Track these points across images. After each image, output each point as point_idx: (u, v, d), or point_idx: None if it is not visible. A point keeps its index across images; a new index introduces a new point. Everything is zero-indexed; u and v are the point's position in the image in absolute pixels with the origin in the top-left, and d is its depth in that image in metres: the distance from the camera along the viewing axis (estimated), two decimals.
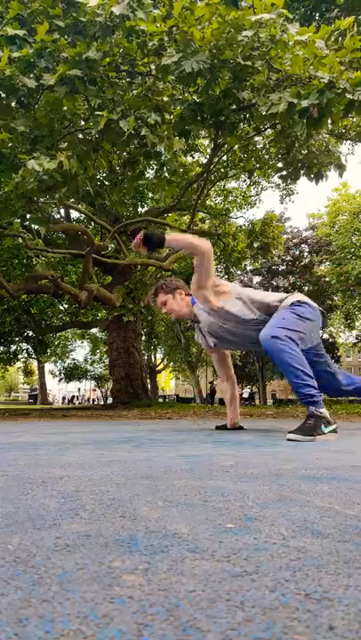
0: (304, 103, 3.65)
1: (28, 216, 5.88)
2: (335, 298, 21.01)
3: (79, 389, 43.31)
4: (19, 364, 26.51)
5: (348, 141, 9.87)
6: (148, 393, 12.21)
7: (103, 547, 0.58)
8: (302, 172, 5.03)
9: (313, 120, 3.76)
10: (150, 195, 12.56)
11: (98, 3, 3.74)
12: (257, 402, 26.23)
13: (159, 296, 2.80)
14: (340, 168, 4.83)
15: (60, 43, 3.79)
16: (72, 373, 30.06)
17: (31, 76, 3.81)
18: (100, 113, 3.95)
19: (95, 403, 32.36)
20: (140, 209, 12.76)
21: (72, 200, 10.08)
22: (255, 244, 11.55)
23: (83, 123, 4.76)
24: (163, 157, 4.69)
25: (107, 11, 3.69)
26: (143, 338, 16.67)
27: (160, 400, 19.96)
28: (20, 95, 3.91)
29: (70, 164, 3.86)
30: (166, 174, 5.90)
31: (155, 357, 25.19)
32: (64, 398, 40.96)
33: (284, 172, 5.33)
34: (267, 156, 8.38)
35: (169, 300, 2.78)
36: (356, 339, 23.98)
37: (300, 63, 3.81)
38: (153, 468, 1.25)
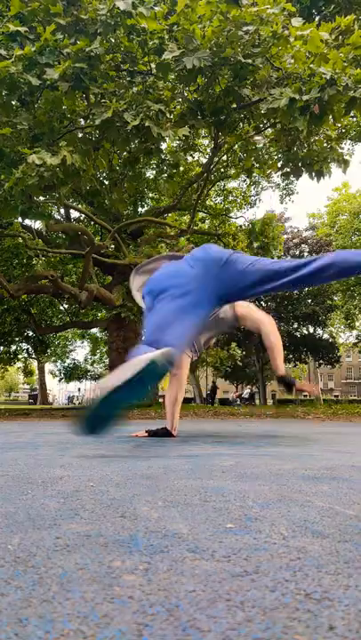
0: (305, 97, 3.65)
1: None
2: (335, 298, 21.00)
3: (79, 389, 43.29)
4: (19, 364, 26.47)
5: (349, 141, 9.89)
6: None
7: (103, 547, 0.58)
8: (304, 169, 5.02)
9: (314, 117, 3.76)
10: (150, 195, 12.55)
11: None
12: (257, 402, 26.23)
13: None
14: (344, 164, 4.82)
15: (63, 41, 3.79)
16: (72, 373, 30.05)
17: (32, 73, 3.82)
18: (106, 101, 3.95)
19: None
20: (140, 209, 12.75)
21: (72, 200, 10.08)
22: (255, 244, 11.54)
23: (82, 121, 4.77)
24: (163, 155, 4.70)
25: (108, 5, 3.69)
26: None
27: (160, 400, 19.95)
28: (20, 93, 3.91)
29: (74, 159, 3.86)
30: (166, 172, 5.89)
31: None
32: (68, 398, 40.66)
33: (286, 170, 5.32)
34: (266, 156, 8.38)
35: None
36: (357, 339, 23.97)
37: (303, 59, 3.81)
38: (153, 467, 1.24)
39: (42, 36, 3.72)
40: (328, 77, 3.60)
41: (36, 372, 31.01)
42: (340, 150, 5.05)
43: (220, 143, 6.72)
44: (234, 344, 17.69)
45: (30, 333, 15.94)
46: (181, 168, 9.35)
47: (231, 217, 12.75)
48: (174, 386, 2.42)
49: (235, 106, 4.69)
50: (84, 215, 11.06)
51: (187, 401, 23.16)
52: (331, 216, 20.78)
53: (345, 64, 3.70)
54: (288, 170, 5.28)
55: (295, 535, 0.63)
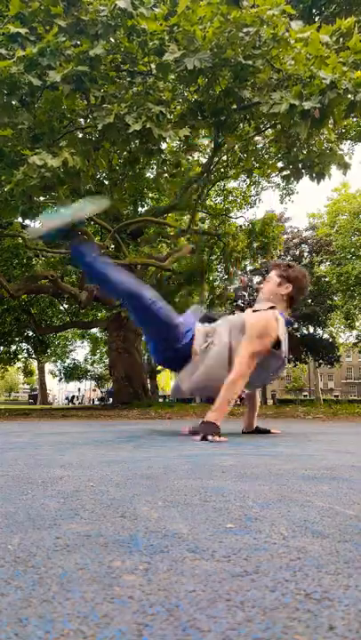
0: (306, 105, 3.65)
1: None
2: (335, 298, 21.01)
3: (79, 389, 43.29)
4: (19, 364, 26.49)
5: (349, 141, 9.89)
6: (149, 393, 12.22)
7: (103, 547, 0.58)
8: (304, 171, 5.02)
9: (314, 120, 3.76)
10: (150, 195, 12.55)
11: None
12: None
13: (272, 272, 2.60)
14: (345, 167, 4.81)
15: (64, 43, 3.79)
16: (72, 373, 30.07)
17: (33, 74, 3.82)
18: (108, 106, 3.95)
19: (97, 401, 32.31)
20: (140, 209, 12.75)
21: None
22: (255, 244, 11.54)
23: (82, 121, 4.77)
24: (163, 155, 4.70)
25: (109, 6, 3.70)
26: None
27: (160, 400, 19.96)
28: (21, 94, 3.92)
29: (74, 161, 3.86)
30: (166, 172, 5.88)
31: None
32: (67, 398, 40.59)
33: (286, 172, 5.32)
34: (266, 156, 8.38)
35: (272, 281, 2.56)
36: (357, 339, 23.97)
37: (303, 61, 3.81)
38: (153, 467, 1.24)
39: (42, 37, 3.72)
40: (328, 82, 3.60)
41: (36, 371, 31.03)
42: (340, 152, 5.05)
43: (220, 143, 6.72)
44: None
45: (30, 333, 15.97)
46: (182, 168, 9.35)
47: (231, 217, 12.76)
48: None
49: (235, 107, 4.69)
50: None
51: (188, 400, 23.19)
52: (331, 216, 20.78)
53: (345, 68, 3.70)
54: (288, 172, 5.28)
55: (295, 535, 0.63)
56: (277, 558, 0.54)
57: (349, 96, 3.67)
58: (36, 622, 0.38)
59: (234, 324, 2.44)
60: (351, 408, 7.13)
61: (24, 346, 18.32)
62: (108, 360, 14.78)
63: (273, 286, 2.55)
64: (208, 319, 2.62)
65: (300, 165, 5.00)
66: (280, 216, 20.20)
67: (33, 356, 22.04)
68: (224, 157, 8.87)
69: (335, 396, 45.23)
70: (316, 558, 0.54)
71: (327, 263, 20.70)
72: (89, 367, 32.69)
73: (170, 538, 0.62)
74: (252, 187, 13.14)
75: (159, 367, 26.35)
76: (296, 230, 22.95)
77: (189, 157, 9.33)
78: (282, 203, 18.55)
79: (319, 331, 23.28)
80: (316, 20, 7.12)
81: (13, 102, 4.03)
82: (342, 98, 3.67)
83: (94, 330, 21.56)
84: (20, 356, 19.49)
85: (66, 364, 29.97)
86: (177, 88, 5.25)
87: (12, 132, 3.95)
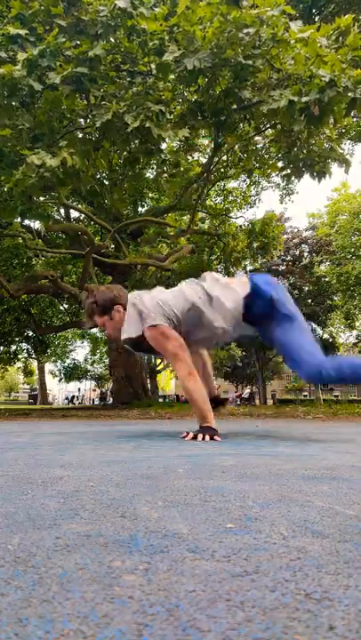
0: (305, 99, 3.65)
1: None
2: (335, 298, 21.02)
3: (79, 389, 43.33)
4: (19, 364, 26.51)
5: (349, 141, 9.90)
6: (149, 393, 12.22)
7: (103, 547, 0.58)
8: (305, 169, 5.02)
9: (314, 118, 3.76)
10: (150, 195, 12.56)
11: None
12: (257, 402, 26.22)
13: (94, 318, 2.42)
14: (346, 164, 4.80)
15: (65, 43, 3.79)
16: (72, 373, 30.11)
17: (34, 76, 3.82)
18: (106, 103, 3.95)
19: (97, 401, 32.32)
20: (140, 209, 12.75)
21: (72, 200, 10.07)
22: (255, 244, 11.53)
23: (82, 121, 4.77)
24: (163, 155, 4.70)
25: (109, 6, 3.70)
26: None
27: (160, 400, 19.97)
28: (22, 95, 3.92)
29: (74, 161, 3.86)
30: (165, 172, 5.88)
31: (155, 357, 25.18)
32: (67, 398, 40.54)
33: (287, 171, 5.32)
34: (266, 156, 8.39)
35: (106, 322, 2.39)
36: (357, 339, 23.98)
37: (302, 61, 3.82)
38: (153, 467, 1.24)
39: (43, 39, 3.73)
40: (327, 80, 3.61)
41: (36, 371, 31.05)
42: (340, 150, 5.05)
43: (220, 143, 6.72)
44: (233, 344, 17.68)
45: (30, 333, 15.98)
46: (182, 168, 9.35)
47: (231, 217, 12.76)
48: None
49: (235, 107, 4.69)
50: (84, 215, 11.07)
51: (187, 401, 23.17)
52: (331, 216, 20.80)
53: (343, 65, 3.70)
54: (288, 171, 5.28)
55: (295, 535, 0.63)
56: (277, 558, 0.54)
57: (350, 94, 3.67)
58: (36, 622, 0.38)
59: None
60: (351, 408, 7.13)
61: (24, 346, 18.34)
62: (108, 360, 14.78)
63: (115, 325, 2.37)
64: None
65: (300, 164, 5.00)
66: (280, 216, 20.21)
67: (33, 355, 22.08)
68: (224, 157, 8.87)
69: (335, 396, 45.18)
70: (316, 558, 0.54)
71: (327, 263, 20.71)
72: (89, 367, 32.73)
73: (170, 538, 0.62)
74: (252, 187, 13.14)
75: (159, 367, 26.40)
76: (296, 230, 22.97)
77: (189, 157, 9.33)
78: (282, 203, 18.55)
79: (319, 331, 23.30)
80: (316, 19, 7.14)
81: (13, 103, 4.03)
82: (342, 96, 3.67)
83: (94, 330, 21.56)
84: (20, 356, 19.51)
85: (66, 364, 30.02)
86: (177, 88, 5.25)
87: (12, 133, 3.95)
